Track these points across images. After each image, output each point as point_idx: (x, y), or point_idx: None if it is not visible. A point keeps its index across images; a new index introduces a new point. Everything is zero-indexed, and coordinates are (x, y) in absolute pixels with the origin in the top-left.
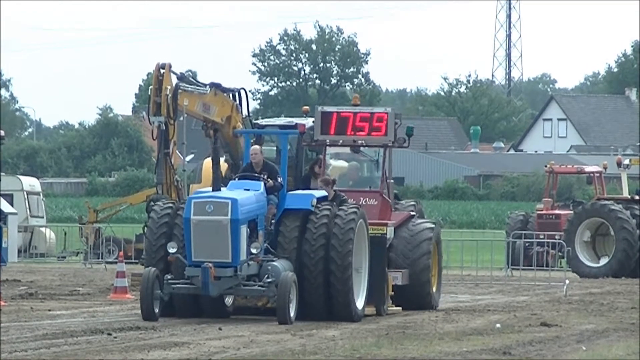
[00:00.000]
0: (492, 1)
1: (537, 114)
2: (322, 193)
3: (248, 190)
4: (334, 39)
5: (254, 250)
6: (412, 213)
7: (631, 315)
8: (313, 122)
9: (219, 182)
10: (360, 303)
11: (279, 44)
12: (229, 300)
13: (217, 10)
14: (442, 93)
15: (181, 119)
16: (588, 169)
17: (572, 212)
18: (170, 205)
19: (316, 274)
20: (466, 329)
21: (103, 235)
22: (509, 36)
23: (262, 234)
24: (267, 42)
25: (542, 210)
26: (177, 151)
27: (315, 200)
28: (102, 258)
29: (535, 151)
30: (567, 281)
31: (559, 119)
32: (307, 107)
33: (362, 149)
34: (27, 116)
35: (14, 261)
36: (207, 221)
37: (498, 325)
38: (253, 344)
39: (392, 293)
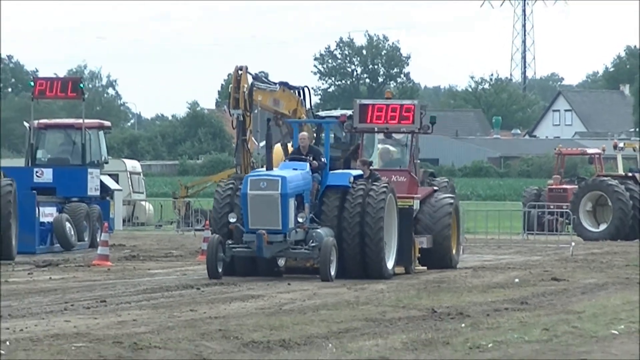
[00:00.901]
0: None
1: (548, 106)
2: (358, 172)
3: (296, 169)
4: (380, 45)
5: (300, 220)
6: (435, 188)
7: (626, 271)
8: (352, 113)
9: (271, 163)
10: (390, 264)
11: (336, 49)
12: (281, 261)
13: (284, 25)
14: (470, 89)
15: (255, 111)
16: (590, 151)
17: (576, 186)
18: (232, 182)
19: (353, 238)
20: (490, 283)
21: (192, 208)
22: (524, 42)
23: (307, 206)
24: (326, 48)
25: (552, 185)
26: (252, 138)
27: (352, 178)
28: (191, 226)
29: (546, 137)
30: (573, 243)
31: (565, 110)
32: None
33: (393, 134)
34: (129, 110)
35: (119, 229)
36: (261, 195)
37: (516, 280)
38: (316, 296)
39: (419, 255)
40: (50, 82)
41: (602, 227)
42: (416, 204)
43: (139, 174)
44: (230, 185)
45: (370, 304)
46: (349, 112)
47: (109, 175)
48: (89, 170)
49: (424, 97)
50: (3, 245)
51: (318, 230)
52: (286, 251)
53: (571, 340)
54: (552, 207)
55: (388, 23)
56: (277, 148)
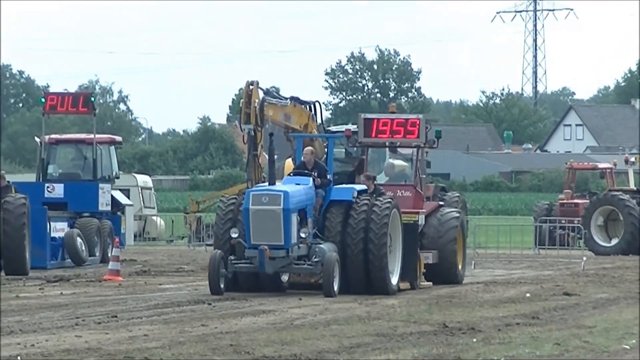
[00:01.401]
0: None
1: (559, 121)
2: (362, 187)
3: (299, 184)
4: (391, 60)
5: (303, 235)
6: (441, 203)
7: (638, 286)
8: (357, 127)
9: (274, 177)
10: (394, 279)
11: (347, 64)
12: (285, 277)
13: (295, 37)
14: (481, 104)
15: (267, 126)
16: (601, 165)
17: (588, 201)
18: (235, 198)
19: (357, 253)
20: (502, 298)
21: (203, 222)
22: (535, 57)
23: (310, 221)
24: (337, 63)
25: (563, 200)
26: (263, 153)
27: (356, 193)
28: (202, 241)
29: (557, 151)
30: (585, 258)
31: (576, 125)
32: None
33: (398, 149)
34: (140, 125)
35: (130, 244)
36: (263, 210)
37: (528, 294)
38: (327, 311)
39: (424, 270)
40: (62, 97)
41: (614, 241)
42: (421, 219)
43: (150, 189)
44: (233, 201)
45: (382, 319)
46: (355, 127)
47: (120, 190)
48: (100, 185)
49: (435, 112)
50: (17, 261)
51: (321, 245)
52: (289, 267)
53: (583, 355)
54: (563, 221)
55: (399, 37)
56: (289, 163)
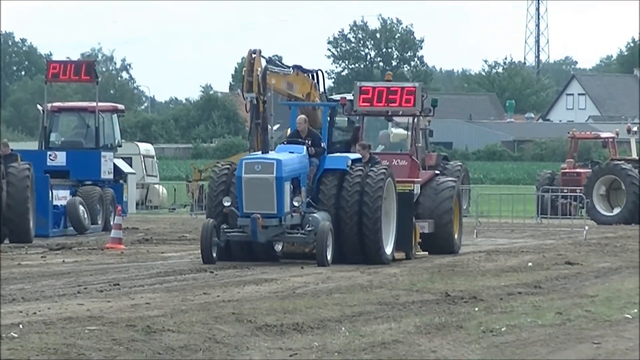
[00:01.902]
0: None
1: (561, 90)
2: (356, 156)
3: (292, 153)
4: (394, 28)
5: (296, 204)
6: (437, 172)
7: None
8: (353, 95)
9: (267, 145)
10: (389, 249)
11: (349, 33)
12: (278, 246)
13: (299, 6)
14: (483, 73)
15: (269, 94)
16: (603, 135)
17: (590, 170)
18: (228, 166)
19: (351, 223)
20: (504, 267)
21: (205, 191)
22: (537, 26)
23: (304, 190)
24: (339, 32)
25: (565, 169)
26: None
27: (350, 162)
28: (205, 209)
29: (560, 120)
30: (587, 227)
31: (579, 94)
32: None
33: (394, 117)
34: (143, 93)
35: (133, 212)
36: (255, 178)
37: (530, 264)
38: (329, 280)
39: (420, 240)
40: (64, 65)
41: (616, 211)
42: (417, 188)
43: (152, 157)
44: (226, 169)
45: (384, 287)
46: (350, 95)
47: (123, 158)
48: (103, 153)
49: (437, 81)
50: (21, 229)
51: (314, 214)
52: (282, 236)
53: (584, 325)
54: (565, 191)
55: (401, 6)
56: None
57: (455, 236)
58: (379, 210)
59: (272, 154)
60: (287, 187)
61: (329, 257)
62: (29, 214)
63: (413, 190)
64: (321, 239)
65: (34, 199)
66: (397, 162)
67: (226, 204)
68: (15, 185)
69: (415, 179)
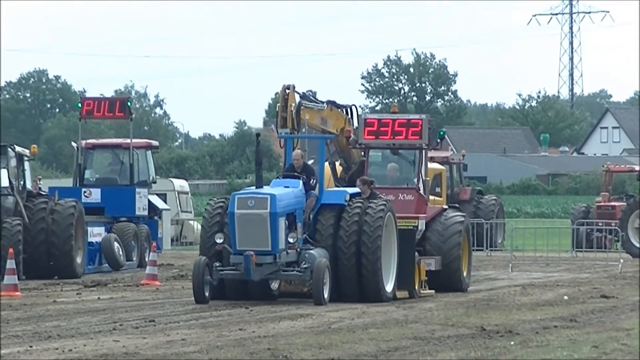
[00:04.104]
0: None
1: (596, 123)
2: (355, 190)
3: (287, 187)
4: (427, 63)
5: (291, 240)
6: (445, 207)
7: None
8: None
9: (261, 180)
10: (389, 286)
11: (383, 67)
12: (274, 285)
13: (331, 41)
14: (517, 107)
15: (303, 130)
16: (638, 168)
17: (625, 203)
18: (222, 201)
19: (349, 259)
20: (539, 301)
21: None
22: (571, 59)
23: (300, 225)
24: (373, 66)
25: (600, 202)
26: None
27: (348, 196)
28: None
29: (594, 154)
30: (622, 260)
31: (613, 127)
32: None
33: (400, 151)
34: (177, 129)
35: (167, 249)
36: (248, 214)
37: (565, 297)
38: (365, 315)
39: (426, 278)
40: (98, 102)
41: None
42: (421, 225)
43: (187, 193)
44: (221, 204)
45: (419, 322)
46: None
47: (157, 194)
48: (137, 189)
49: (471, 115)
50: (66, 265)
51: (311, 251)
52: (276, 273)
53: (620, 358)
54: (600, 224)
55: (435, 41)
56: (325, 167)
57: (464, 273)
58: (378, 251)
59: (266, 189)
60: (282, 222)
61: (326, 295)
62: (73, 250)
63: (417, 226)
64: (317, 277)
65: (84, 234)
66: (403, 196)
67: (218, 240)
68: (59, 223)
69: (420, 215)
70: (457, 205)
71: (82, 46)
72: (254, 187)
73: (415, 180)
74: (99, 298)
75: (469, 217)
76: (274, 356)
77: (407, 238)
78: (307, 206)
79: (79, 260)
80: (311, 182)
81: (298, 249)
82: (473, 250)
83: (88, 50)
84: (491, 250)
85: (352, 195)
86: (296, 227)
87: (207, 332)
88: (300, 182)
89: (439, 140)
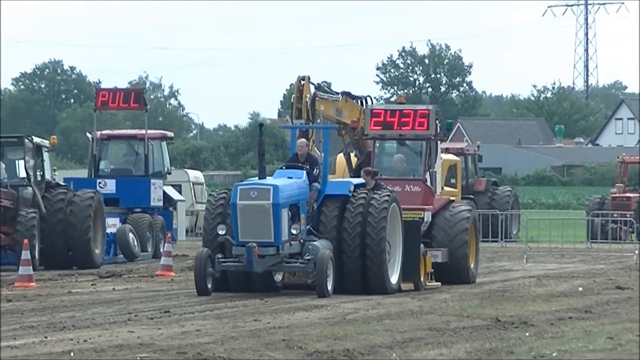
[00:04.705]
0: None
1: (610, 114)
2: (360, 181)
3: (291, 178)
4: (442, 54)
5: (294, 231)
6: (452, 198)
7: None
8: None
9: (263, 171)
10: (394, 278)
11: (398, 59)
12: (278, 276)
13: (346, 32)
14: (532, 98)
15: (318, 121)
16: None
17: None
18: (225, 192)
19: (354, 250)
20: (554, 292)
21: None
22: (586, 50)
23: (303, 217)
24: (388, 58)
25: (615, 194)
26: (314, 148)
27: (352, 187)
28: None
29: (609, 145)
30: (637, 252)
31: (628, 119)
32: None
33: (406, 142)
34: (192, 120)
35: (182, 239)
36: (251, 205)
37: (580, 288)
38: (380, 306)
39: (432, 270)
40: (113, 93)
41: None
42: (427, 216)
43: (201, 184)
44: (223, 195)
45: (434, 313)
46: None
47: (172, 185)
48: (152, 180)
49: (486, 106)
50: (84, 255)
51: (314, 242)
52: (279, 265)
53: (635, 349)
54: (615, 215)
55: (450, 32)
56: (340, 158)
57: (472, 265)
58: (383, 242)
59: (268, 180)
60: (285, 214)
61: (329, 287)
62: (92, 241)
63: (423, 218)
64: (321, 268)
65: (103, 224)
66: (410, 188)
67: (221, 232)
68: (77, 214)
69: (426, 206)
70: (472, 196)
71: (97, 36)
72: (257, 178)
73: (422, 171)
74: (114, 289)
75: (484, 208)
76: (289, 347)
77: (413, 230)
78: (310, 199)
79: (97, 250)
80: (314, 172)
81: (301, 240)
82: (488, 241)
83: (102, 42)
84: (506, 241)
85: (357, 186)
86: (299, 218)
87: (222, 323)
88: (304, 172)
89: (445, 132)
